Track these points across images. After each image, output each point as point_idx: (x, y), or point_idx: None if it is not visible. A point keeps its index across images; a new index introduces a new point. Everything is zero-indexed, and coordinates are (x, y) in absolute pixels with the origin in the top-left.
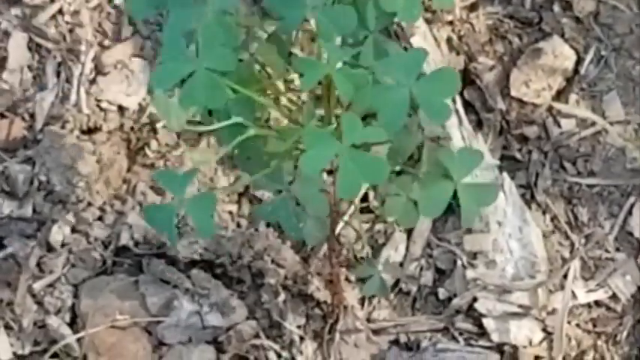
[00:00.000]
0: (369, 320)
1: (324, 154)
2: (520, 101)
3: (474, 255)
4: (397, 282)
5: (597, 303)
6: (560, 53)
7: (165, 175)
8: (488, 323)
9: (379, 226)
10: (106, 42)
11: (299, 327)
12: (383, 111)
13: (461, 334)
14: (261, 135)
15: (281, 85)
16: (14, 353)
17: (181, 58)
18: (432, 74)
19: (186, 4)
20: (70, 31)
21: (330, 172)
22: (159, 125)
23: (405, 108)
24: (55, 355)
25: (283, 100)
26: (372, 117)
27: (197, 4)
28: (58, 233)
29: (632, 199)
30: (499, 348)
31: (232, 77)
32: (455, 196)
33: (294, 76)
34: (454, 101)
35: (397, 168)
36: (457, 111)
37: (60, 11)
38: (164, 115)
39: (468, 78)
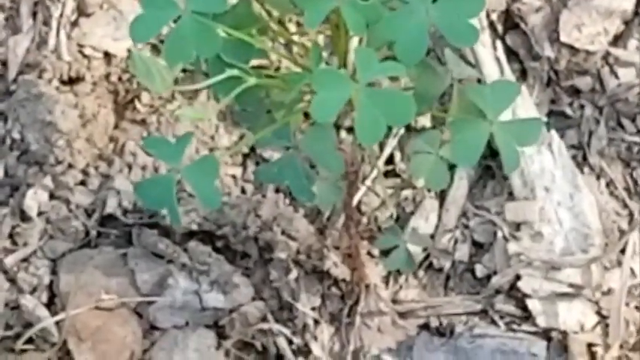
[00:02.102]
0: (394, 301)
1: (338, 96)
2: (571, 48)
3: (517, 226)
4: (427, 257)
5: None
6: None
7: (156, 143)
8: (533, 305)
9: (407, 193)
10: None
11: (313, 309)
12: (399, 41)
13: (501, 317)
14: (264, 85)
15: (291, 26)
16: None
17: (163, 2)
18: None
19: None
20: None
21: (349, 130)
22: None
23: (423, 34)
24: (29, 340)
25: (289, 46)
26: (392, 60)
27: None
28: (33, 199)
29: None
30: (546, 334)
31: (227, 20)
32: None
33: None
34: (483, 29)
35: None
36: (498, 59)
37: None
38: (146, 77)
39: (510, 21)
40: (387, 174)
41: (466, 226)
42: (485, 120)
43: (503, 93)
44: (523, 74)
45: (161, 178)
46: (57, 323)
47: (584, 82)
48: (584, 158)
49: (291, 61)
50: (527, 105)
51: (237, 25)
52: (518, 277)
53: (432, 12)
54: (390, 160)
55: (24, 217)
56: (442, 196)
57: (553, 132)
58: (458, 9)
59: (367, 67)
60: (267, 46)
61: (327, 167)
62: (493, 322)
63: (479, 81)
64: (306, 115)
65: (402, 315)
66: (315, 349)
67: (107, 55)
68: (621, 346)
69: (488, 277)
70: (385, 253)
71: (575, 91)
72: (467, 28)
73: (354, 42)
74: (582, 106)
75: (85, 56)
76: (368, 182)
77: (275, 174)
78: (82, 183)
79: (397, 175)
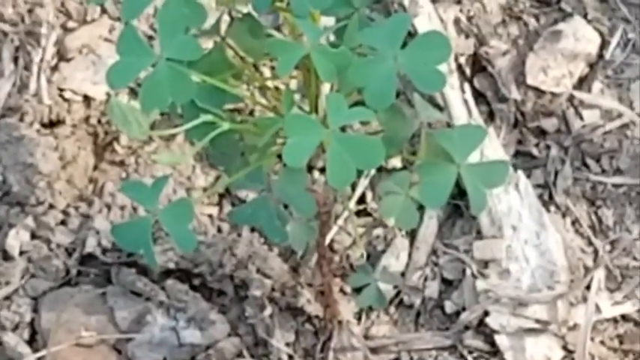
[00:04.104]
0: (366, 337)
1: (309, 141)
2: (537, 90)
3: (485, 263)
4: (398, 294)
5: (624, 317)
6: (582, 36)
7: (134, 187)
8: (501, 340)
9: (378, 231)
10: (70, 24)
11: (288, 344)
12: (368, 87)
13: (470, 352)
14: (237, 129)
15: (265, 71)
16: None
17: (139, 50)
18: (418, 40)
19: None
20: (30, 11)
21: (322, 171)
22: None
23: (391, 80)
24: None
25: (263, 90)
26: (362, 104)
27: None
28: (15, 239)
29: None
30: None
31: (201, 66)
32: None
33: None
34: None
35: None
36: (466, 101)
37: None
38: (123, 124)
39: (478, 64)
40: (358, 213)
41: (436, 264)
42: (452, 163)
43: (470, 137)
44: (491, 116)
45: (138, 221)
46: None
47: (550, 124)
48: (550, 197)
49: (264, 106)
50: (494, 146)
51: (211, 71)
52: (486, 314)
53: (400, 59)
54: (361, 200)
55: (6, 256)
56: (412, 235)
57: (520, 172)
58: (425, 56)
59: (337, 112)
60: (241, 92)
61: (299, 210)
62: (462, 357)
63: (448, 124)
64: (280, 157)
65: (374, 350)
66: None
67: (87, 99)
68: None
69: (458, 314)
70: (357, 290)
71: (542, 132)
72: (434, 75)
73: (326, 87)
74: (548, 147)
75: (65, 100)
76: (340, 221)
77: (249, 215)
78: (63, 223)
79: (369, 214)
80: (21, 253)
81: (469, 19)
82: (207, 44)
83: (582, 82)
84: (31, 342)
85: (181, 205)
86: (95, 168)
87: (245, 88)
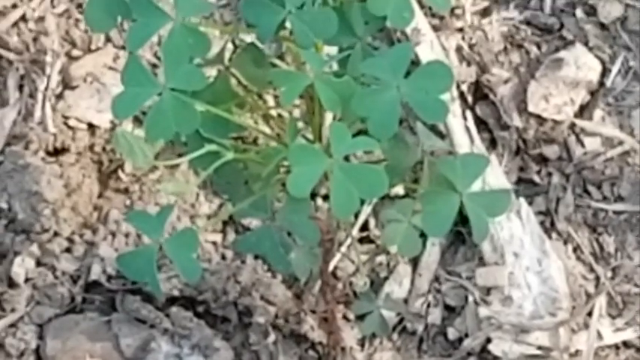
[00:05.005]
0: None
1: (313, 171)
2: (539, 118)
3: (487, 290)
4: (401, 320)
5: (626, 344)
6: (583, 64)
7: (139, 217)
8: None
9: (381, 259)
10: (75, 52)
11: None
12: (372, 117)
13: None
14: (241, 159)
15: (269, 100)
16: None
17: (144, 80)
18: (421, 69)
19: (151, 13)
20: (34, 39)
21: (325, 198)
22: None
23: (395, 110)
24: None
25: (266, 119)
26: (365, 133)
27: (163, 13)
28: (20, 267)
29: None
30: None
31: (205, 96)
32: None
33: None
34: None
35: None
36: (468, 129)
37: (23, 17)
38: (128, 154)
39: (480, 92)
40: (361, 240)
41: (438, 291)
42: (455, 192)
43: (472, 165)
44: (492, 143)
45: (142, 250)
46: None
47: (551, 151)
48: (552, 224)
49: (267, 135)
50: (496, 173)
51: (215, 101)
52: (489, 340)
53: (403, 88)
54: (364, 227)
55: (11, 283)
56: (415, 262)
57: (522, 199)
58: (428, 85)
59: (341, 142)
60: (245, 121)
61: (303, 237)
62: None
63: (450, 153)
64: (283, 186)
65: None
66: None
67: (91, 127)
68: None
69: (460, 340)
70: (360, 317)
71: (543, 160)
72: (437, 104)
73: (329, 116)
74: (550, 174)
75: (69, 128)
76: (343, 249)
77: (253, 244)
78: (68, 250)
79: (371, 242)
80: (26, 280)
81: (471, 47)
82: (211, 73)
83: (583, 110)
84: None
85: (186, 235)
86: (100, 195)
87: (249, 117)
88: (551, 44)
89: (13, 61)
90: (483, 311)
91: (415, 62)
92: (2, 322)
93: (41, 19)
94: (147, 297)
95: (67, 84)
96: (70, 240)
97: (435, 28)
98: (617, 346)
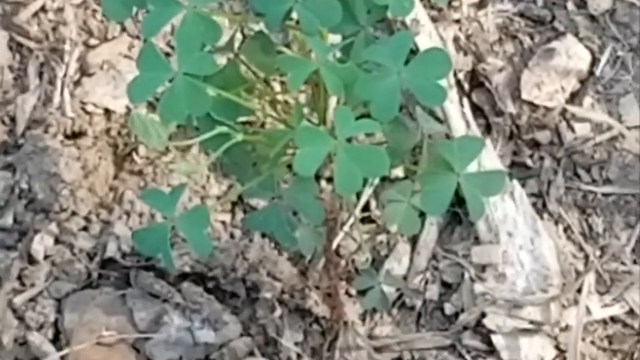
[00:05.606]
0: (370, 337)
1: (318, 152)
2: (531, 104)
3: (482, 268)
4: (400, 296)
5: (613, 319)
6: (574, 53)
7: (152, 195)
8: (497, 340)
9: (381, 237)
10: (92, 41)
11: (296, 344)
12: (374, 101)
13: (468, 351)
14: (250, 140)
15: (276, 86)
16: None
17: (158, 65)
18: (420, 56)
19: (165, 2)
20: (54, 29)
21: (329, 180)
22: None
23: (396, 94)
24: None
25: (274, 104)
26: (367, 116)
27: (176, 2)
28: (40, 244)
29: None
30: None
31: (216, 81)
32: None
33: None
34: (452, 86)
35: (397, 173)
36: (464, 115)
37: (42, 8)
38: (144, 135)
39: (476, 80)
40: (363, 220)
41: (436, 268)
42: (452, 173)
43: (468, 147)
44: (488, 128)
45: (156, 226)
46: (62, 358)
47: (543, 136)
48: (544, 205)
49: (274, 119)
50: (491, 156)
51: (225, 86)
52: (483, 315)
53: (403, 74)
54: (366, 208)
55: (31, 260)
56: (414, 241)
57: (515, 182)
58: (427, 71)
59: (345, 124)
60: (254, 105)
61: (308, 216)
62: (461, 356)
63: (447, 136)
64: (290, 167)
65: (378, 349)
66: None
67: (107, 112)
68: None
69: (456, 315)
70: (362, 292)
71: (536, 144)
72: (435, 89)
73: (333, 101)
74: (542, 158)
75: (87, 113)
76: (346, 228)
77: (261, 222)
78: (85, 229)
79: (373, 221)
80: (45, 257)
81: (467, 37)
82: (222, 60)
83: (574, 97)
84: (55, 341)
85: (197, 212)
86: (115, 177)
87: (257, 101)
88: (544, 35)
89: (33, 49)
90: (478, 287)
91: (414, 52)
92: (22, 296)
93: (60, 9)
94: (160, 273)
95: (84, 71)
96: (86, 219)
97: (434, 19)
98: (605, 321)
